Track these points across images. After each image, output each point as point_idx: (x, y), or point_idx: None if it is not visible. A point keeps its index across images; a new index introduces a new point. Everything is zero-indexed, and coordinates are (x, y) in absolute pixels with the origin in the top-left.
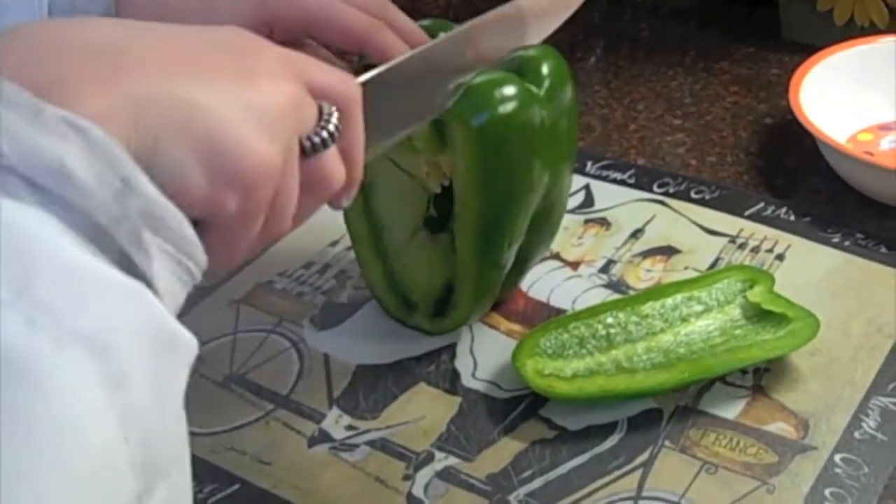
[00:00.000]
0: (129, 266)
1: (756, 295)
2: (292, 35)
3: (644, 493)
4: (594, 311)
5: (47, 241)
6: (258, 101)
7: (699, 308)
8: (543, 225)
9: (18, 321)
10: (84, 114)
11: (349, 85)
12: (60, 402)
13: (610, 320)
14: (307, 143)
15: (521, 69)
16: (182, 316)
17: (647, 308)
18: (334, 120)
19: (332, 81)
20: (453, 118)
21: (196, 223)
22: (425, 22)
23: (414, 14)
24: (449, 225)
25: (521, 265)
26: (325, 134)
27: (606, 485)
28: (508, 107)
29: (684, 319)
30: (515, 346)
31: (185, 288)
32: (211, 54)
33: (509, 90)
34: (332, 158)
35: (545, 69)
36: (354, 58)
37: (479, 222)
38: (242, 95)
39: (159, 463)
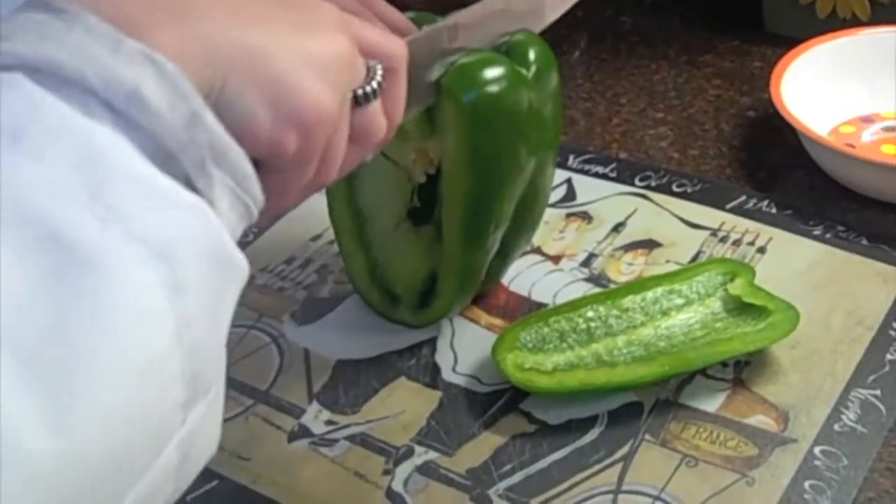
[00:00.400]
0: (192, 190)
1: (737, 288)
2: None
3: (624, 487)
4: (575, 305)
5: (121, 155)
6: (318, 52)
7: (680, 301)
8: (527, 213)
9: (93, 220)
10: (157, 50)
11: (396, 44)
12: (126, 297)
13: (590, 314)
14: (358, 94)
15: (509, 53)
16: None
17: (628, 301)
18: (379, 75)
19: (380, 41)
20: (444, 95)
21: (255, 165)
22: (410, 14)
23: (399, 7)
24: (433, 216)
25: (504, 255)
26: (373, 86)
27: (587, 478)
28: (498, 86)
29: (665, 313)
30: (495, 341)
31: (242, 222)
32: (274, 7)
33: (500, 70)
34: (377, 112)
35: (532, 54)
36: None
37: (466, 202)
38: (304, 45)
39: (205, 377)
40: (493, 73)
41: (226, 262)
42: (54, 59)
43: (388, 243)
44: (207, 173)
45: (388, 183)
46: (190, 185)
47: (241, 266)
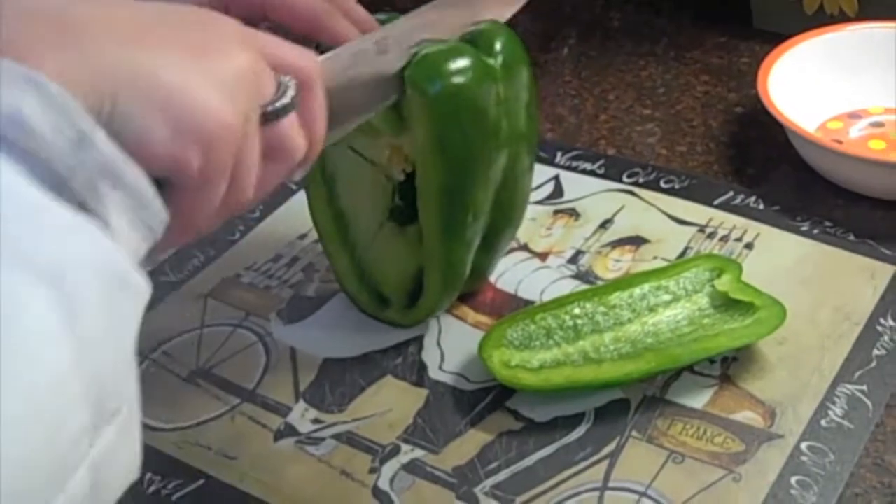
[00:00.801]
0: (87, 213)
1: (724, 284)
2: (248, 15)
3: (611, 484)
4: (561, 302)
5: (6, 179)
6: (216, 67)
7: (667, 298)
8: (506, 206)
9: None
10: (39, 72)
11: (308, 58)
12: (18, 323)
13: (577, 311)
14: (267, 110)
15: (475, 43)
16: (149, 310)
17: (615, 298)
18: (291, 90)
19: (291, 55)
20: (409, 88)
21: (160, 185)
22: (381, 16)
23: (370, 8)
24: (416, 216)
25: (489, 250)
26: (283, 102)
27: (573, 476)
28: (464, 77)
29: (652, 309)
30: (482, 338)
31: (146, 241)
32: (168, 27)
33: (465, 61)
34: (291, 127)
35: (499, 44)
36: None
37: (439, 194)
38: (200, 63)
39: (110, 400)
40: (457, 64)
41: (123, 284)
42: None
43: (372, 244)
44: (101, 195)
45: (367, 183)
46: (85, 207)
47: (140, 287)
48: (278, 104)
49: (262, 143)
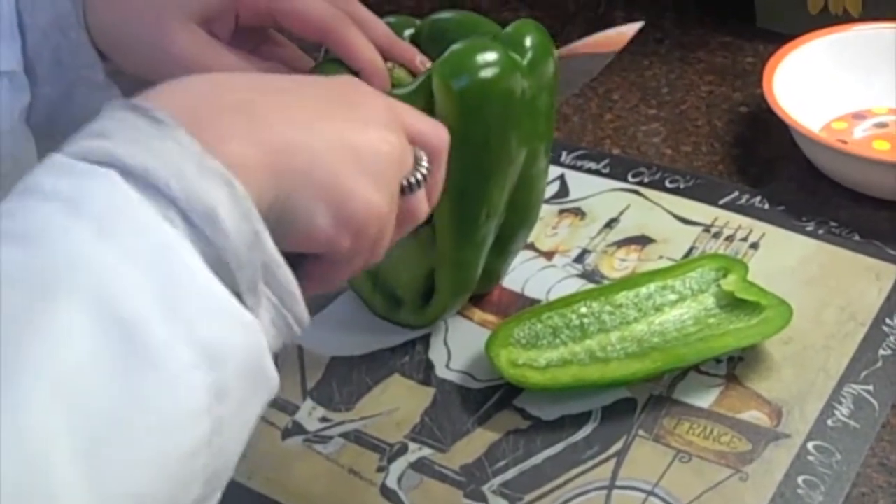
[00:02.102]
0: (241, 303)
1: (730, 284)
2: (258, 20)
3: (618, 483)
4: (568, 301)
5: (192, 263)
6: (371, 152)
7: (673, 297)
8: (521, 207)
9: (161, 319)
10: (226, 157)
11: (440, 131)
12: (178, 397)
13: (584, 310)
14: (405, 184)
15: (505, 40)
16: None
17: (621, 297)
18: (424, 165)
19: (427, 130)
20: (435, 81)
21: (307, 254)
22: (391, 19)
23: (377, 11)
24: (431, 217)
25: (502, 251)
26: (418, 176)
27: (580, 474)
28: (490, 72)
29: (658, 309)
30: (489, 337)
31: (281, 337)
32: (327, 106)
33: (491, 56)
34: (421, 197)
35: (528, 41)
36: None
37: (454, 191)
38: (356, 147)
39: (221, 477)
40: (485, 58)
41: (262, 376)
42: (147, 166)
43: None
44: (257, 293)
45: None
46: (239, 298)
47: (273, 382)
48: (414, 178)
49: (397, 212)
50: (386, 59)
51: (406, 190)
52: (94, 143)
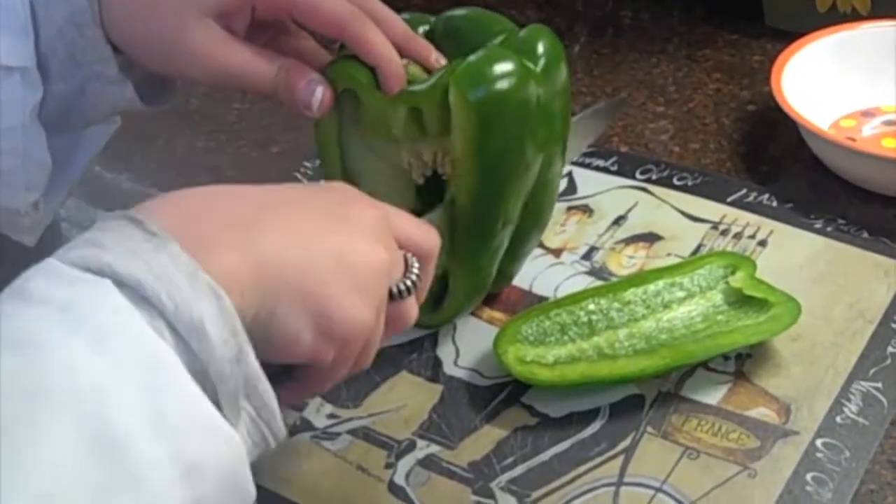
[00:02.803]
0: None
1: (738, 281)
2: (274, 14)
3: (626, 479)
4: (576, 298)
5: (178, 376)
6: (360, 268)
7: (681, 294)
8: (535, 211)
9: (148, 436)
10: (218, 269)
11: (431, 239)
12: None
13: (592, 307)
14: (394, 291)
15: (517, 47)
16: None
17: (629, 294)
18: (416, 272)
19: (418, 236)
20: (452, 92)
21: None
22: (406, 15)
23: (394, 6)
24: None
25: (515, 254)
26: (408, 283)
27: (588, 471)
28: (506, 83)
29: (666, 305)
30: (497, 334)
31: (257, 450)
32: (320, 218)
33: (507, 66)
34: (411, 302)
35: (541, 47)
36: (336, 45)
37: (472, 201)
38: (347, 262)
39: None
40: (501, 69)
41: (240, 489)
42: (141, 278)
43: None
44: (237, 406)
45: (388, 185)
46: (219, 409)
47: (250, 494)
48: (404, 285)
49: (385, 316)
50: (402, 55)
51: (396, 296)
52: (90, 252)
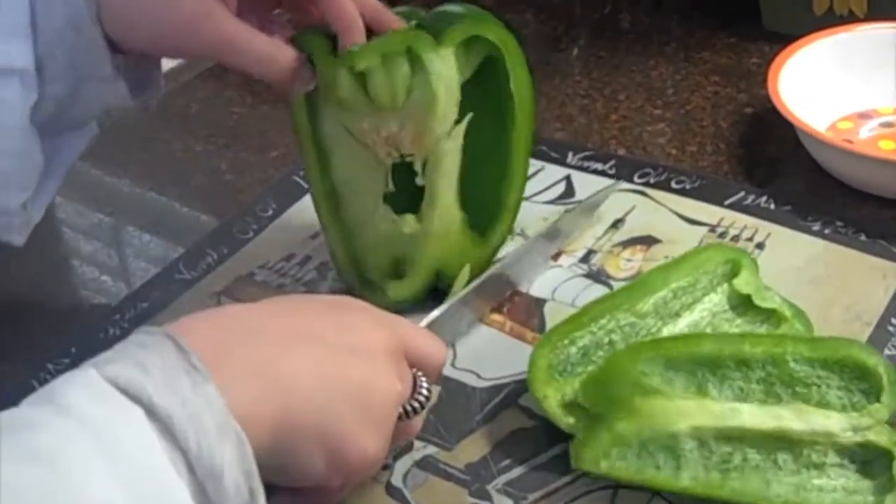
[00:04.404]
0: None
1: (744, 285)
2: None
3: (623, 482)
4: (592, 315)
5: None
6: (377, 403)
7: (688, 300)
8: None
9: None
10: (242, 410)
11: (440, 354)
12: None
13: (611, 325)
14: (404, 412)
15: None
16: (163, 308)
17: (641, 305)
18: (425, 392)
19: (428, 352)
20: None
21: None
22: (402, 8)
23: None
24: (411, 204)
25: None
26: (416, 405)
27: (584, 473)
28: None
29: (677, 314)
30: (530, 371)
31: None
32: (341, 356)
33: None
34: (419, 420)
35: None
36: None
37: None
38: (365, 400)
39: None
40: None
41: None
42: (173, 415)
43: (366, 227)
44: None
45: (358, 164)
46: None
47: None
48: (411, 406)
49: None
50: (374, 27)
51: (403, 416)
52: (132, 374)
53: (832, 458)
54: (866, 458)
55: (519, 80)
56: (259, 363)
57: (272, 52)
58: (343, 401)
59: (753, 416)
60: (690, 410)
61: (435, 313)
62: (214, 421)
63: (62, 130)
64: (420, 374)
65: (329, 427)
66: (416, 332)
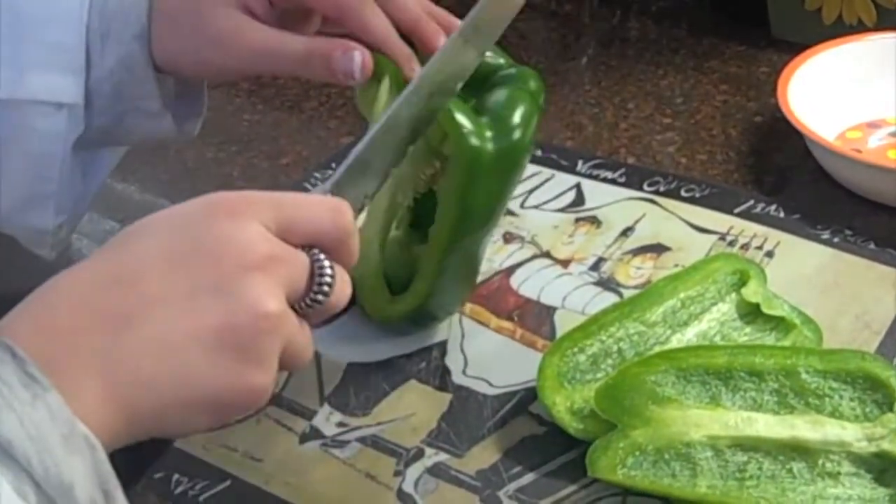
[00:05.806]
0: None
1: (752, 294)
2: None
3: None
4: (602, 324)
5: None
6: (245, 338)
7: (697, 310)
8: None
9: None
10: (87, 413)
11: (340, 215)
12: None
13: (620, 333)
14: (305, 303)
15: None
16: None
17: (649, 314)
18: (328, 273)
19: (322, 226)
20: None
21: None
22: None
23: None
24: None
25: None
26: (320, 296)
27: (595, 480)
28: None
29: (685, 323)
30: (540, 379)
31: None
32: (187, 306)
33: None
34: (333, 301)
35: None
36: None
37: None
38: (229, 343)
39: None
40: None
41: None
42: (13, 439)
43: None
44: None
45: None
46: None
47: None
48: (313, 297)
49: (307, 317)
50: (413, 42)
51: (305, 308)
52: None
53: (847, 467)
54: (881, 468)
55: (455, 185)
56: (101, 354)
57: (307, 49)
58: (202, 357)
59: (768, 425)
60: (705, 420)
61: (340, 171)
62: (59, 433)
63: (100, 150)
64: (318, 252)
65: (194, 392)
66: (307, 201)
